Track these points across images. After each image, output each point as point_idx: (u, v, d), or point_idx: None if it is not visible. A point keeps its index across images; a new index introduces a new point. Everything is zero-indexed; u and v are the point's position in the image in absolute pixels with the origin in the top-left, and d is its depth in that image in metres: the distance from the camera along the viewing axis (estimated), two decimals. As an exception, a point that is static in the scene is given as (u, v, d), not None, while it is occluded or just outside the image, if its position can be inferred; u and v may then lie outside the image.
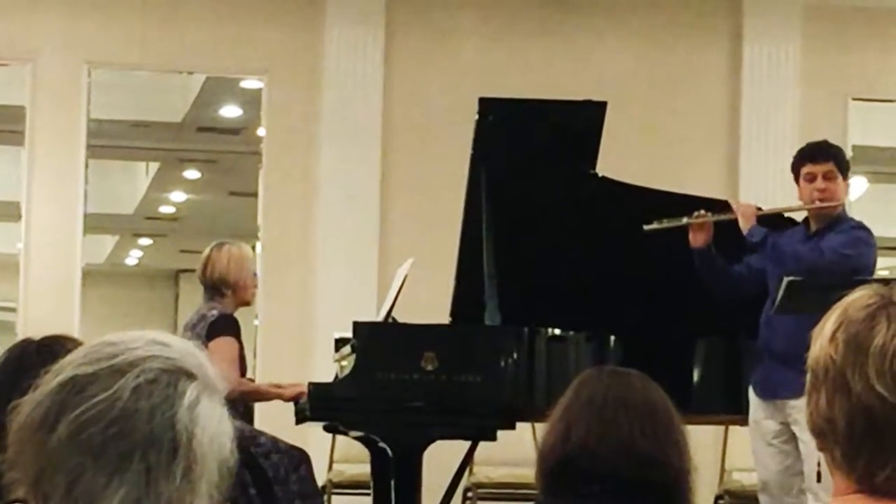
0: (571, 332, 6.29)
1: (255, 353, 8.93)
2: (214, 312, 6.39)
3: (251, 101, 10.17)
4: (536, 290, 6.56)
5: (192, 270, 6.71)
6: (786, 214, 6.42)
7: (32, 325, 8.57)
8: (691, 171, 9.17)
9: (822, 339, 1.87)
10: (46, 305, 9.05)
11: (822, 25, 9.62)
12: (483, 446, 6.53)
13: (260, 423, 6.81)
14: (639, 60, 9.55)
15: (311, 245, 9.27)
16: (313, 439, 7.33)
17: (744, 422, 6.21)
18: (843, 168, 6.05)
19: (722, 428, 8.14)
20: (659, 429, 2.68)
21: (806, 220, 6.13)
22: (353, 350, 6.09)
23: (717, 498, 8.30)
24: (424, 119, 9.37)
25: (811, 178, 5.99)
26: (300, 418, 6.52)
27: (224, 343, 6.29)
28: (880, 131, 10.35)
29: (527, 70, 9.30)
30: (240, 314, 6.60)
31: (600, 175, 6.64)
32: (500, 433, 6.16)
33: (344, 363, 6.41)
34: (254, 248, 8.95)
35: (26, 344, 2.87)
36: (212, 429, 1.56)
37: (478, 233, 6.41)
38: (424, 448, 5.96)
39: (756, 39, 9.55)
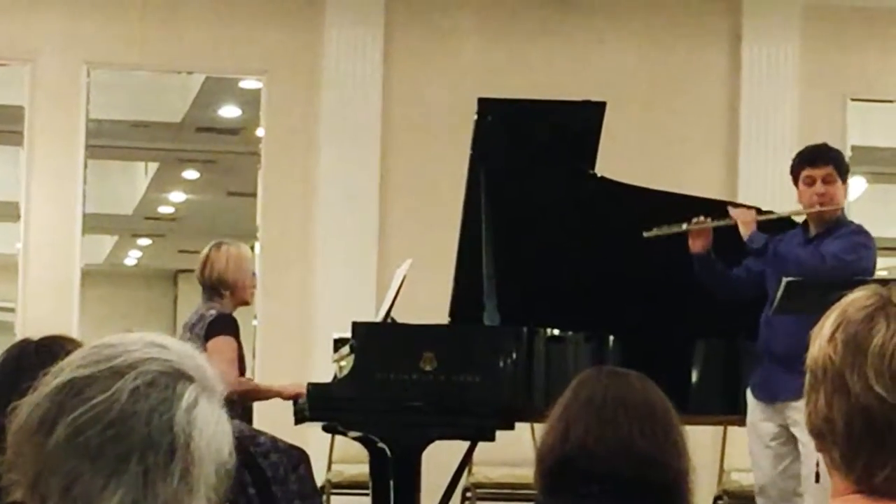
0: (570, 333, 6.29)
1: (254, 354, 8.93)
2: (213, 312, 6.39)
3: (250, 101, 10.18)
4: (535, 290, 6.56)
5: (191, 271, 6.71)
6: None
7: (31, 325, 8.57)
8: (691, 171, 9.16)
9: (821, 340, 1.87)
10: (45, 305, 9.04)
11: (821, 26, 9.63)
12: (482, 446, 6.53)
13: (259, 422, 6.81)
14: (638, 61, 9.55)
15: (310, 245, 9.27)
16: (312, 439, 7.33)
17: (742, 422, 6.21)
18: (843, 171, 6.05)
19: (721, 428, 8.14)
20: (658, 429, 2.68)
21: (805, 222, 6.13)
22: (352, 350, 6.09)
23: (716, 498, 8.30)
24: (424, 119, 9.36)
25: (810, 182, 5.98)
26: (299, 418, 6.52)
27: (223, 342, 6.28)
28: (879, 132, 10.35)
29: (526, 70, 9.30)
30: (238, 314, 6.60)
31: (599, 175, 6.64)
32: (499, 433, 6.15)
33: (343, 363, 6.41)
34: (253, 248, 8.95)
35: (25, 344, 2.86)
36: (210, 431, 1.56)
37: (477, 233, 6.41)
38: (423, 448, 5.95)
39: (755, 40, 9.55)
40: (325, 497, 7.95)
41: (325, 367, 7.17)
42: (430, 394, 5.94)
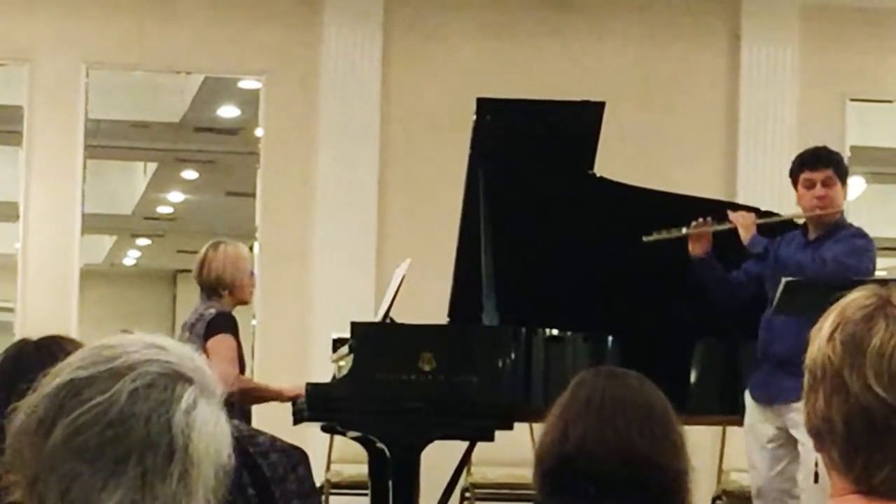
0: (569, 333, 6.30)
1: (252, 354, 8.93)
2: (212, 311, 6.38)
3: (249, 101, 10.17)
4: (534, 290, 6.55)
5: (190, 271, 6.70)
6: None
7: (30, 325, 8.58)
8: (689, 171, 9.16)
9: (820, 340, 1.87)
10: (44, 305, 9.04)
11: (819, 26, 9.63)
12: (481, 446, 6.53)
13: (257, 423, 6.80)
14: (637, 61, 9.55)
15: (308, 245, 9.27)
16: (311, 439, 7.31)
17: (741, 422, 6.21)
18: (842, 174, 6.04)
19: (720, 428, 8.14)
20: (657, 429, 2.68)
21: (804, 225, 6.12)
22: (351, 350, 6.09)
23: (715, 498, 8.31)
24: (422, 119, 9.36)
25: (810, 185, 5.98)
26: (298, 418, 6.52)
27: (223, 340, 6.28)
28: (878, 132, 10.35)
29: (525, 70, 9.30)
30: (237, 314, 6.59)
31: (598, 176, 6.64)
32: (497, 433, 6.15)
33: (342, 363, 6.41)
34: (251, 248, 8.95)
35: (24, 344, 2.87)
36: (208, 433, 1.56)
37: (476, 233, 6.41)
38: (422, 448, 5.95)
39: (754, 40, 9.55)
40: (324, 497, 7.95)
41: (324, 367, 7.17)
42: (429, 394, 5.94)
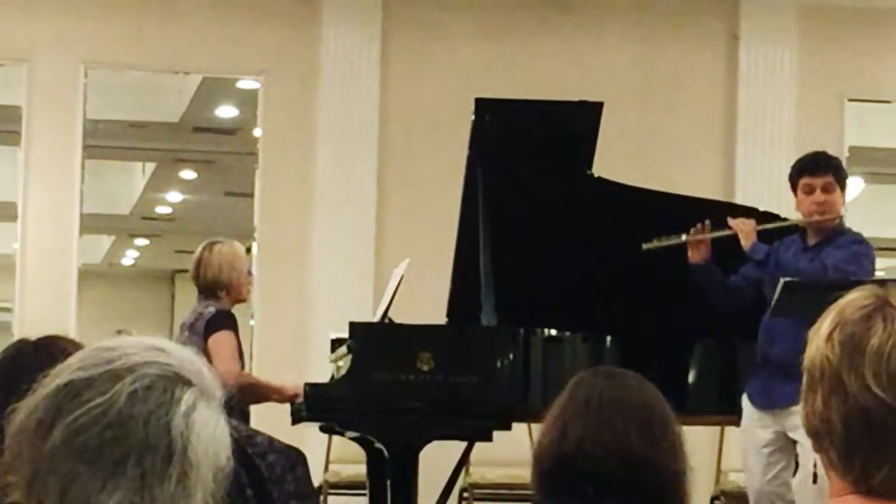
0: (567, 333, 6.30)
1: (251, 354, 8.93)
2: (212, 309, 6.38)
3: (247, 101, 10.17)
4: (533, 290, 6.55)
5: (188, 271, 6.70)
6: (783, 214, 6.42)
7: (28, 325, 8.57)
8: (688, 171, 9.17)
9: (819, 340, 1.87)
10: (42, 305, 9.04)
11: (818, 26, 9.63)
12: (479, 447, 6.53)
13: (256, 423, 6.80)
14: (635, 61, 9.55)
15: (307, 245, 9.27)
16: (309, 440, 7.31)
17: (740, 423, 6.21)
18: (842, 179, 6.04)
19: (718, 429, 8.14)
20: (655, 430, 2.68)
21: (803, 230, 6.11)
22: (350, 350, 6.09)
23: (713, 499, 8.30)
24: (421, 119, 9.36)
25: (810, 191, 5.98)
26: (296, 419, 6.52)
27: (224, 337, 6.28)
28: (877, 132, 10.36)
29: (523, 70, 9.30)
30: (235, 314, 6.59)
31: (597, 176, 6.64)
32: (496, 434, 6.15)
33: (340, 363, 6.41)
34: (250, 248, 8.95)
35: (22, 344, 2.86)
36: (208, 436, 1.56)
37: (474, 233, 6.41)
38: (421, 448, 5.95)
39: (752, 41, 9.55)
40: (322, 497, 7.95)
41: (323, 367, 7.17)
42: (428, 394, 5.94)
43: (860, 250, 5.93)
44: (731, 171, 9.51)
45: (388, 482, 5.95)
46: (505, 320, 6.27)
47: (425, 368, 5.95)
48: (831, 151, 6.38)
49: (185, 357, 1.60)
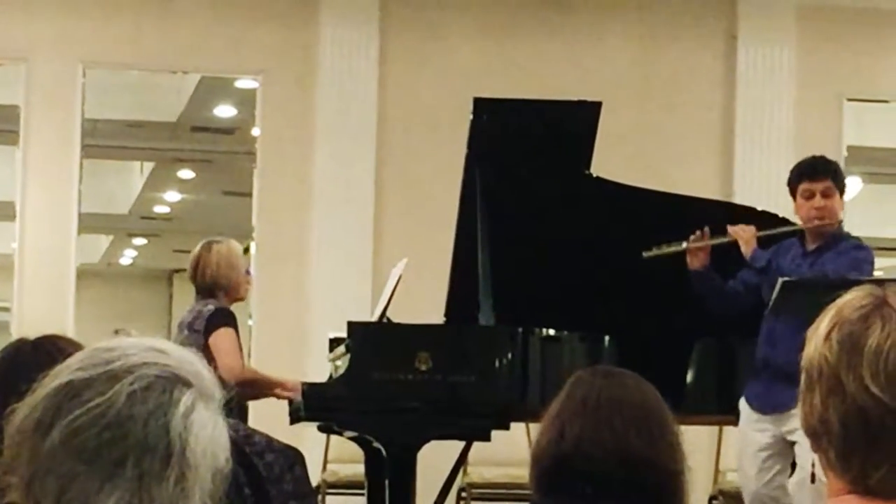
0: (565, 333, 6.29)
1: (249, 353, 8.93)
2: (211, 307, 6.38)
3: (246, 100, 10.17)
4: (531, 290, 6.55)
5: (187, 270, 6.70)
6: (781, 214, 6.42)
7: (27, 324, 8.57)
8: (686, 171, 9.17)
9: (817, 340, 1.87)
10: (41, 305, 9.04)
11: (816, 26, 9.63)
12: (477, 446, 6.53)
13: (254, 422, 6.80)
14: (634, 61, 9.55)
15: (305, 245, 9.27)
16: (307, 439, 7.31)
17: (738, 422, 6.20)
18: (841, 184, 6.03)
19: (716, 428, 8.14)
20: (653, 429, 2.68)
21: (802, 234, 6.11)
22: (348, 350, 6.09)
23: (712, 498, 8.31)
24: (419, 119, 9.36)
25: (809, 196, 5.96)
26: (294, 418, 6.51)
27: (224, 334, 6.28)
28: (875, 132, 10.36)
29: (522, 70, 9.30)
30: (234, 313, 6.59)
31: (595, 175, 6.64)
32: (494, 433, 6.15)
33: (338, 363, 6.41)
34: (248, 248, 8.94)
35: (21, 344, 2.86)
36: (206, 437, 1.56)
37: (472, 233, 6.41)
38: (419, 448, 5.95)
39: (751, 41, 9.55)
40: (320, 497, 7.95)
41: (321, 367, 7.17)
42: (426, 394, 5.94)
43: (861, 256, 5.92)
44: (729, 170, 9.51)
45: (387, 482, 5.95)
46: (503, 320, 6.27)
47: (423, 368, 5.95)
48: (830, 151, 6.39)
49: (184, 358, 1.60)
